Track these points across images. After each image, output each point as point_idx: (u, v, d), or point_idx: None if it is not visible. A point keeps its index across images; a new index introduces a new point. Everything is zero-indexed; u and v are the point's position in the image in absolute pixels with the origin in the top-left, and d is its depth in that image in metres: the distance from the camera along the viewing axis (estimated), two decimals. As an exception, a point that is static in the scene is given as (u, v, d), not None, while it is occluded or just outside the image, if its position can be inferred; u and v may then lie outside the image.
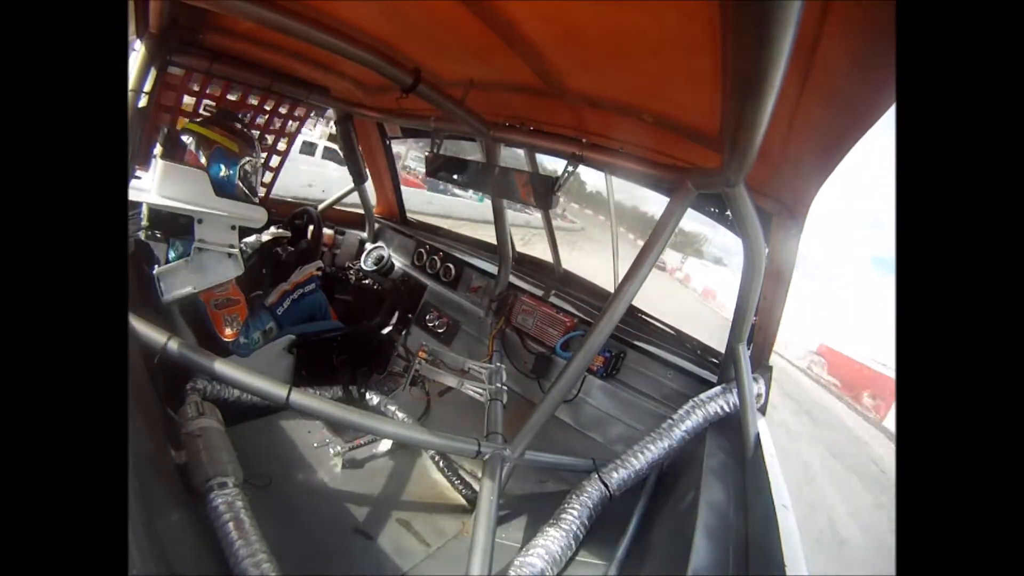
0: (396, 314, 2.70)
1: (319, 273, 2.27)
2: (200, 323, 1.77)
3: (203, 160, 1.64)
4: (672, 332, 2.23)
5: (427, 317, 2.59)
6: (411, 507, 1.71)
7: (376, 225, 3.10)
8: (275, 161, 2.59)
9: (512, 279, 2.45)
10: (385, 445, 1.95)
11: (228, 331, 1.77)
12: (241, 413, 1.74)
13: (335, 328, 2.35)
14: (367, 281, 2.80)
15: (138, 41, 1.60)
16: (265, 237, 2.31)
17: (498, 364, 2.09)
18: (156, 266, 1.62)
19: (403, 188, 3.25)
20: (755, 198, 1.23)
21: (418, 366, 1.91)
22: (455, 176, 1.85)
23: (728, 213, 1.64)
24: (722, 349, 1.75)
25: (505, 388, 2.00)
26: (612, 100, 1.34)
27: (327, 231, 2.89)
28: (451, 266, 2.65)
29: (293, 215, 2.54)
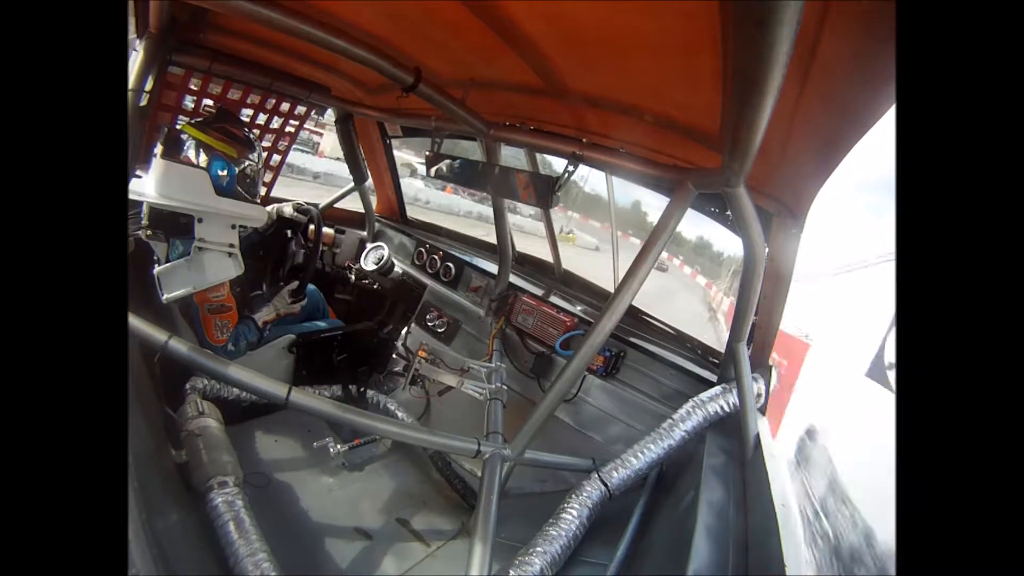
0: (396, 313, 2.70)
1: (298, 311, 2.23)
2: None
3: (202, 164, 1.65)
4: (672, 331, 2.24)
5: (427, 316, 2.59)
6: (411, 507, 1.71)
7: (376, 224, 3.10)
8: (275, 160, 2.60)
9: (512, 279, 2.45)
10: (385, 444, 1.95)
11: (218, 336, 1.78)
12: (241, 413, 1.74)
13: (335, 327, 2.35)
14: (367, 280, 2.80)
15: (138, 41, 1.60)
16: (288, 209, 2.27)
17: (498, 363, 2.09)
18: (156, 266, 1.62)
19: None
20: (755, 198, 1.23)
21: (418, 365, 1.91)
22: (455, 175, 1.85)
23: (728, 213, 1.64)
24: (722, 348, 1.75)
25: (505, 387, 2.00)
26: (612, 100, 1.34)
27: (327, 230, 2.89)
28: (451, 265, 2.65)
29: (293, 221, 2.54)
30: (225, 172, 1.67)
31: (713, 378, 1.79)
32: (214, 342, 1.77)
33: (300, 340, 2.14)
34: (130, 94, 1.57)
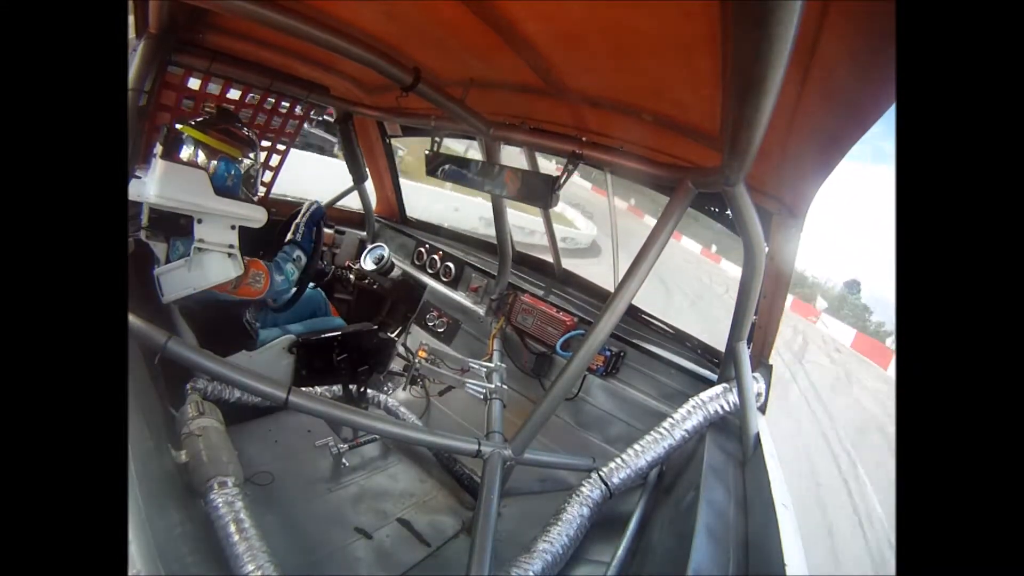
0: (396, 313, 2.70)
1: (314, 205, 2.21)
2: (201, 323, 1.77)
3: (204, 164, 1.65)
4: (671, 331, 2.24)
5: (427, 316, 2.60)
6: (411, 507, 1.71)
7: (376, 225, 3.10)
8: (275, 161, 2.59)
9: (512, 278, 2.45)
10: (385, 444, 1.95)
11: (260, 287, 1.77)
12: (241, 413, 1.74)
13: (336, 327, 2.35)
14: (367, 281, 2.80)
15: (138, 41, 1.60)
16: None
17: (498, 363, 2.09)
18: (156, 266, 1.62)
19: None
20: (755, 197, 1.23)
21: (418, 365, 1.91)
22: (455, 175, 1.85)
23: (728, 212, 1.64)
24: (722, 348, 1.75)
25: (505, 387, 2.00)
26: (612, 99, 1.34)
27: (327, 230, 2.89)
28: (451, 265, 2.65)
29: (293, 214, 2.54)
30: (231, 173, 1.68)
31: (713, 377, 1.79)
32: (264, 292, 1.77)
33: (300, 341, 2.14)
34: (130, 94, 1.57)
